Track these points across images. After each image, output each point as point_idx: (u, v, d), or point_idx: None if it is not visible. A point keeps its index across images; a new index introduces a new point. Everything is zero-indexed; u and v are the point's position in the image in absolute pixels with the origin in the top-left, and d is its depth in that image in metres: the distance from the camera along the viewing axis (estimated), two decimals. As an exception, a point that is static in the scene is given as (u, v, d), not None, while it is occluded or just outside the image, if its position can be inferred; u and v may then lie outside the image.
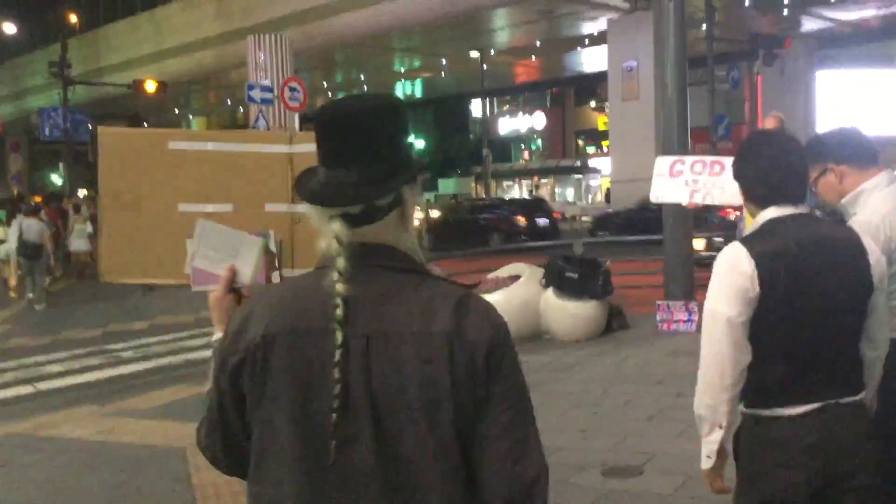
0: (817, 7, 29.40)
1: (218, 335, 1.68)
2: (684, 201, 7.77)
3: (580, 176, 50.59)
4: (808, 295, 2.29)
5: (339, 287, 1.40)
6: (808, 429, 2.27)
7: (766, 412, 2.32)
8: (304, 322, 1.44)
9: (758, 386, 2.33)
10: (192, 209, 2.16)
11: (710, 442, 2.34)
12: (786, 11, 28.03)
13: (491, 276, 9.55)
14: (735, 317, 2.27)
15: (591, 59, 42.31)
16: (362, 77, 44.26)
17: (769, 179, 2.41)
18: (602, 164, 49.83)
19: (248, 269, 1.92)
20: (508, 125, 56.64)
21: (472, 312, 1.44)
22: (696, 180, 7.59)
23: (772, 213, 2.38)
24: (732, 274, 2.30)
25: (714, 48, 25.36)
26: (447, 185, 58.73)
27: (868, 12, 30.50)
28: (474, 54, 35.03)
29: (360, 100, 1.53)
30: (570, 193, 51.18)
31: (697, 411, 2.36)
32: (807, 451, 2.26)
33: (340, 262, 1.41)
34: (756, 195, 2.45)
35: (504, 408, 1.43)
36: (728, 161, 7.47)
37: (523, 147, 58.54)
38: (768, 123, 6.86)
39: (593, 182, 49.39)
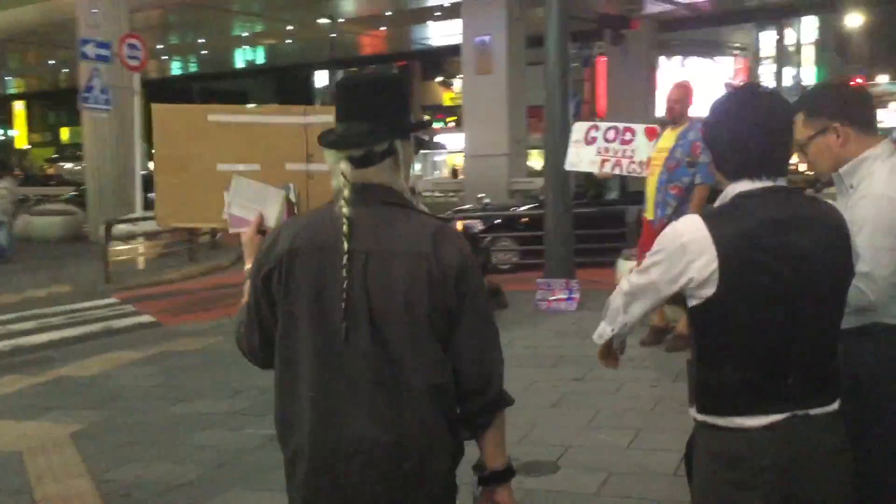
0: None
1: (250, 265, 2.10)
2: (595, 170, 7.52)
3: (426, 151, 50.47)
4: (777, 284, 1.92)
5: (345, 210, 1.83)
6: (770, 444, 1.92)
7: (722, 421, 1.96)
8: (319, 239, 1.88)
9: (714, 388, 1.97)
10: (227, 168, 2.70)
11: (601, 334, 2.21)
12: (631, -8, 28.68)
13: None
14: (662, 286, 2.02)
15: (439, 33, 42.08)
16: (201, 41, 42.04)
17: (747, 147, 2.02)
18: (448, 139, 49.99)
19: (273, 214, 2.43)
20: (354, 97, 55.60)
21: (446, 240, 1.87)
22: (606, 148, 7.32)
23: (744, 185, 2.01)
24: (680, 253, 1.96)
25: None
26: (291, 158, 57.24)
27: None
28: (323, 21, 33.87)
29: (372, 74, 2.23)
30: (415, 168, 51.03)
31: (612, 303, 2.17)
32: (768, 471, 1.92)
33: (346, 192, 1.85)
34: (728, 165, 2.08)
35: (470, 315, 1.86)
36: (639, 128, 7.25)
37: (369, 120, 57.88)
38: (673, 92, 6.59)
39: (438, 158, 49.47)
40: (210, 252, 15.64)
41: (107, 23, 15.90)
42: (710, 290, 1.93)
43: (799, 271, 1.93)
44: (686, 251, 1.95)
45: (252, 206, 2.51)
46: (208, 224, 3.31)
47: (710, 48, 47.72)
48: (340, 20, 34.76)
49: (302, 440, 1.89)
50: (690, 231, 1.96)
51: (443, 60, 50.68)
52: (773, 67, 56.96)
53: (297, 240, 1.90)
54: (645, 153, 6.70)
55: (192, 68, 52.58)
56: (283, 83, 60.47)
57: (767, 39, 56.11)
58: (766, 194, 1.99)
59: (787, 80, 58.96)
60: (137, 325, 9.48)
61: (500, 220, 12.68)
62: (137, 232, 13.84)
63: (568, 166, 7.61)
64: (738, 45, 51.08)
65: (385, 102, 1.93)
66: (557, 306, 8.41)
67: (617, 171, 6.99)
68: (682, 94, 6.47)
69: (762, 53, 55.32)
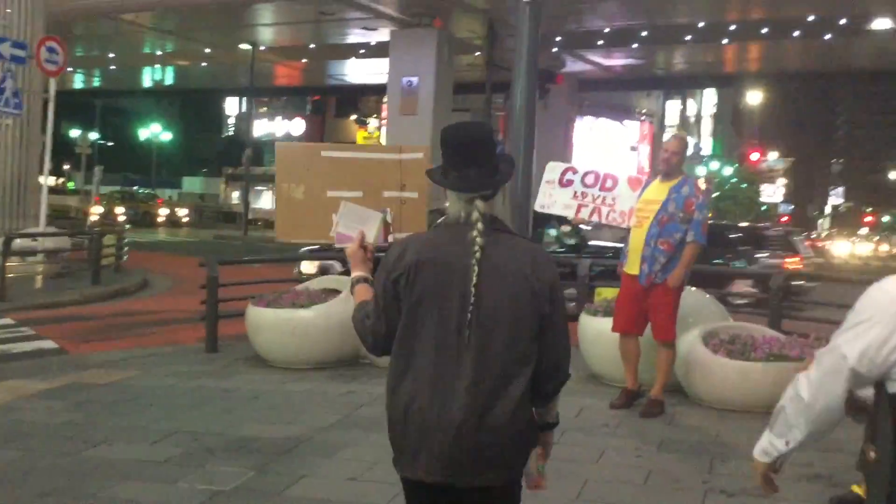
0: (580, 49, 30.83)
1: (356, 273, 2.72)
2: (570, 215, 7.11)
3: (335, 188, 49.68)
4: None
5: (479, 240, 2.36)
6: None
7: None
8: (447, 256, 2.38)
9: None
10: (335, 194, 3.60)
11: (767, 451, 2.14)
12: (555, 49, 29.08)
13: (301, 287, 8.27)
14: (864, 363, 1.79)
15: (356, 71, 41.73)
16: (110, 55, 40.36)
17: None
18: (358, 178, 49.45)
19: (372, 233, 2.95)
20: (265, 128, 54.50)
21: (542, 260, 2.45)
22: (584, 193, 6.93)
23: None
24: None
25: (480, 75, 25.82)
26: (193, 184, 55.42)
27: (627, 60, 32.55)
28: (244, 47, 33.00)
29: (476, 128, 2.53)
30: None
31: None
32: None
33: (480, 225, 2.37)
34: None
35: (558, 319, 2.43)
36: (622, 177, 6.91)
37: (278, 152, 56.77)
38: (671, 144, 6.29)
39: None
40: (114, 275, 14.56)
41: (22, 24, 14.81)
42: None
43: None
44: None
45: (355, 225, 2.96)
46: (318, 240, 3.97)
47: (620, 112, 49.00)
48: (262, 48, 33.95)
49: (412, 412, 2.37)
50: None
51: (358, 98, 50.38)
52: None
53: (422, 254, 2.41)
54: (627, 203, 6.35)
55: (95, 83, 50.47)
56: (189, 106, 58.80)
57: (672, 108, 58.26)
58: None
59: (689, 149, 61.17)
60: (38, 351, 8.53)
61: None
62: (38, 248, 12.71)
63: (538, 207, 7.19)
64: (645, 111, 52.72)
65: (491, 153, 2.47)
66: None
67: (595, 219, 6.61)
68: (680, 147, 6.18)
69: (667, 121, 57.32)
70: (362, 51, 33.53)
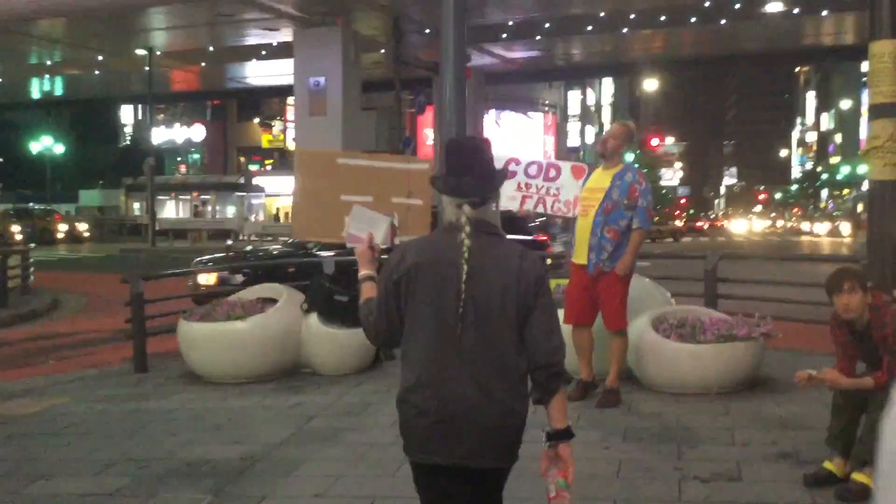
0: (485, 42, 30.94)
1: (363, 271, 2.94)
2: (515, 207, 7.00)
3: (243, 194, 48.62)
4: None
5: (467, 241, 2.57)
6: None
7: None
8: (441, 257, 2.61)
9: None
10: (348, 199, 3.86)
11: None
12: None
13: (233, 298, 7.96)
14: None
15: (258, 73, 40.93)
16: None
17: None
18: (266, 182, 48.47)
19: (380, 235, 3.26)
20: (163, 135, 52.93)
21: (528, 259, 2.64)
22: (528, 184, 6.83)
23: None
24: None
25: (387, 73, 25.68)
26: (91, 198, 53.32)
27: (529, 53, 32.84)
28: (140, 52, 31.89)
29: (468, 141, 2.84)
30: (230, 211, 48.90)
31: None
32: None
33: (467, 228, 2.59)
34: None
35: (542, 310, 2.60)
36: (565, 166, 6.83)
37: (179, 160, 55.04)
38: (613, 128, 6.27)
39: (256, 201, 47.79)
40: (22, 297, 13.83)
41: None
42: None
43: None
44: None
45: (365, 227, 3.25)
46: (330, 239, 4.45)
47: (525, 104, 49.54)
48: (158, 53, 32.88)
49: (421, 399, 2.58)
50: None
51: (261, 101, 49.43)
52: (579, 125, 60.03)
53: (421, 257, 2.65)
54: (572, 192, 6.28)
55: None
56: (81, 117, 56.56)
57: (574, 99, 59.30)
58: None
59: (590, 138, 62.37)
60: (-49, 382, 7.95)
61: (248, 270, 11.03)
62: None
63: None
64: (548, 102, 53.47)
65: (487, 162, 2.73)
66: (453, 358, 7.83)
67: (540, 210, 6.53)
68: (619, 132, 6.14)
69: (569, 112, 58.31)
70: (264, 52, 32.87)
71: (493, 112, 44.58)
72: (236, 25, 29.44)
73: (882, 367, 4.21)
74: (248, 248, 13.12)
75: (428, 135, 33.91)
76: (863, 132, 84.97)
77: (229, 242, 12.72)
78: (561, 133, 52.72)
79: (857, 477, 4.18)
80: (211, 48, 32.96)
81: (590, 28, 29.57)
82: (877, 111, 5.39)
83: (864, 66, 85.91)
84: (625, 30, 30.36)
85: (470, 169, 2.67)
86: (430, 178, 2.92)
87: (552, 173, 6.48)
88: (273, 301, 7.72)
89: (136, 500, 4.61)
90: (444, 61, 8.55)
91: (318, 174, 4.31)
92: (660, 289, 7.26)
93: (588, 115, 62.33)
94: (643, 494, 4.34)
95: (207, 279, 11.35)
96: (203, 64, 37.68)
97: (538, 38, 30.43)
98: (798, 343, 7.39)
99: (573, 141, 58.63)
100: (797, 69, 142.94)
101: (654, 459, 4.87)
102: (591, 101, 65.98)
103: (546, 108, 52.55)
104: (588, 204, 6.09)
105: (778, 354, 6.99)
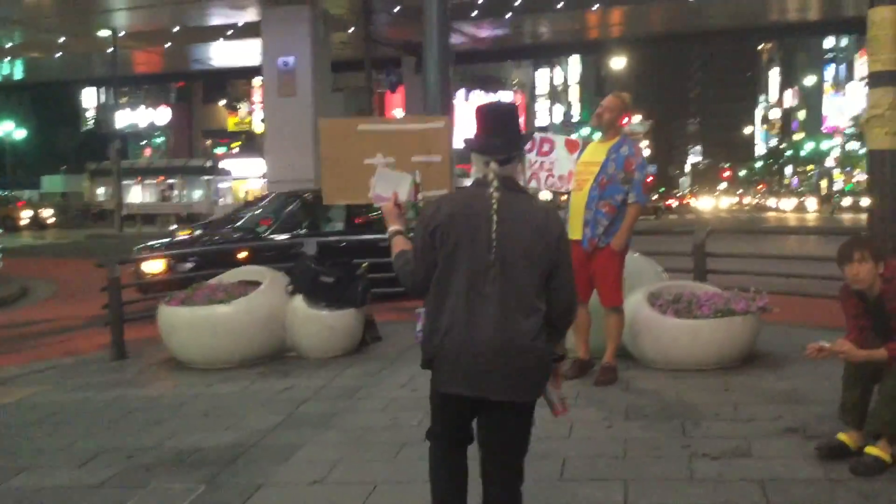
0: (454, 21, 30.62)
1: (392, 227, 3.31)
2: None
3: (210, 177, 47.92)
4: None
5: (496, 195, 2.91)
6: None
7: None
8: (472, 209, 2.94)
9: None
10: (371, 162, 4.41)
11: None
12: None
13: (214, 281, 7.73)
14: None
15: (223, 54, 40.26)
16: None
17: None
18: (232, 165, 47.84)
19: (404, 192, 3.66)
20: (127, 119, 51.97)
21: (552, 217, 3.00)
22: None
23: None
24: None
25: (355, 53, 25.37)
26: (54, 183, 52.23)
27: (497, 31, 32.59)
28: (103, 34, 31.16)
29: (503, 105, 3.11)
30: (197, 195, 48.18)
31: None
32: None
33: (496, 184, 2.93)
34: None
35: (566, 267, 3.00)
36: (559, 140, 6.68)
37: (144, 144, 54.09)
38: (607, 100, 6.10)
39: (223, 184, 47.11)
40: (-12, 284, 13.45)
41: None
42: None
43: None
44: None
45: (390, 187, 3.61)
46: (358, 200, 4.67)
47: (493, 84, 49.30)
48: (121, 34, 32.16)
49: (447, 340, 2.90)
50: None
51: (226, 83, 48.65)
52: (548, 104, 59.92)
53: (454, 209, 2.95)
54: (566, 167, 6.13)
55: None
56: (42, 101, 55.35)
57: (542, 78, 59.16)
58: None
59: (558, 117, 62.36)
60: (-77, 372, 7.65)
61: (194, 258, 10.55)
62: None
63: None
64: (517, 81, 53.30)
65: (514, 125, 3.08)
66: (442, 339, 7.68)
67: (534, 185, 6.39)
68: (614, 104, 5.98)
69: (538, 91, 58.21)
70: (230, 32, 32.28)
71: (462, 92, 44.30)
72: (201, 4, 28.85)
73: (895, 337, 4.13)
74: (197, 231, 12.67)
75: (397, 115, 33.57)
76: (825, 108, 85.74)
77: (174, 227, 12.23)
78: (530, 112, 52.61)
79: (871, 450, 4.10)
80: (175, 28, 32.28)
81: (560, 5, 29.38)
82: (876, 79, 5.29)
83: (828, 42, 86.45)
84: (595, 6, 30.21)
85: (499, 130, 3.03)
86: (464, 138, 3.14)
87: (545, 147, 6.34)
88: (254, 284, 7.52)
89: (125, 491, 4.42)
90: (426, 40, 8.38)
91: (340, 142, 4.63)
92: (653, 264, 7.16)
93: (556, 95, 62.25)
94: (653, 474, 4.23)
95: (153, 267, 10.88)
96: (167, 45, 36.95)
97: (508, 15, 30.16)
98: (790, 317, 7.33)
99: (542, 120, 58.54)
100: (760, 47, 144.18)
101: (660, 438, 4.77)
102: (558, 80, 65.87)
103: (515, 88, 52.38)
104: (583, 178, 5.95)
105: (772, 328, 6.92)
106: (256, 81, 48.66)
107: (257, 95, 49.59)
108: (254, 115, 51.25)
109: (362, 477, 4.44)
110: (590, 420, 5.17)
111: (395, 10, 27.61)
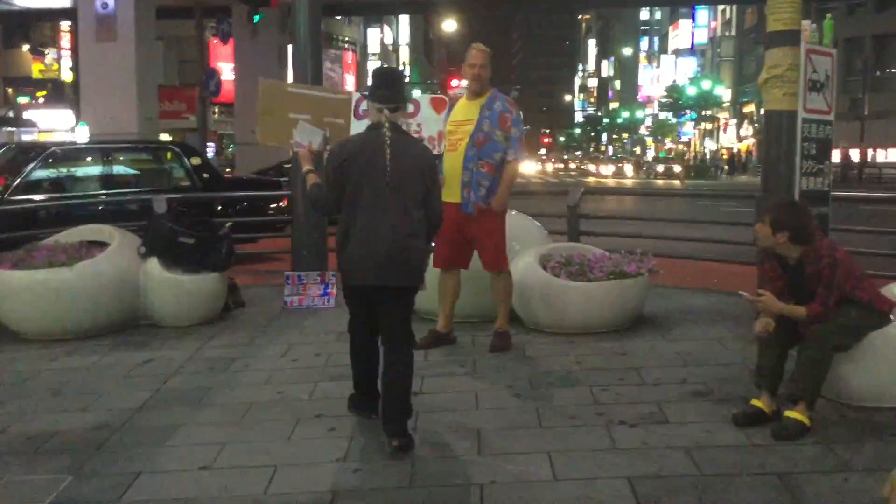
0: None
1: (306, 167, 4.46)
2: None
3: (12, 129, 43.87)
4: None
5: (388, 134, 4.00)
6: None
7: None
8: (370, 146, 4.00)
9: None
10: (295, 116, 5.41)
11: None
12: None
13: (50, 241, 6.84)
14: None
15: (27, -5, 36.81)
16: None
17: None
18: (38, 116, 44.08)
19: (316, 142, 4.84)
20: (-87, 61, 46.58)
21: (426, 152, 4.37)
22: None
23: None
24: None
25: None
26: None
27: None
28: None
29: (390, 69, 6.51)
30: (-1, 148, 44.04)
31: None
32: None
33: (387, 125, 4.02)
34: None
35: (432, 186, 4.13)
36: (424, 99, 6.17)
37: (-66, 90, 48.80)
38: (478, 56, 5.71)
39: (28, 136, 43.27)
40: None
41: None
42: None
43: None
44: None
45: (307, 137, 4.89)
46: (282, 144, 5.67)
47: (325, 41, 47.97)
48: None
49: (355, 243, 4.01)
50: None
51: (31, 26, 44.56)
52: (379, 64, 59.17)
53: (356, 147, 4.08)
54: (434, 127, 5.68)
55: None
56: None
57: (373, 37, 58.22)
58: None
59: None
60: None
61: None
62: None
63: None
64: (348, 39, 52.14)
65: (401, 83, 4.30)
66: (312, 303, 7.18)
67: None
68: (487, 59, 5.61)
69: (370, 49, 57.26)
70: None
71: (290, 48, 42.84)
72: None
73: (817, 300, 4.09)
74: None
75: (223, 69, 31.85)
76: (641, 78, 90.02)
77: None
78: (362, 71, 51.67)
79: (791, 414, 4.07)
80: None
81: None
82: (776, 39, 5.25)
83: (644, 14, 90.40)
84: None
85: (389, 86, 4.18)
86: (350, 106, 5.15)
87: (410, 108, 5.91)
88: (99, 245, 6.71)
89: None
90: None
91: (273, 98, 5.66)
92: (538, 226, 6.96)
93: (387, 55, 61.64)
94: (576, 444, 4.01)
95: None
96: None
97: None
98: (666, 280, 7.37)
99: (372, 80, 57.70)
100: (580, 17, 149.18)
101: (571, 405, 4.56)
102: (388, 40, 65.26)
103: (346, 46, 51.29)
104: (457, 138, 5.58)
105: (651, 290, 6.91)
106: (65, 25, 44.88)
107: (66, 41, 45.79)
108: (62, 61, 47.36)
109: (257, 460, 3.96)
110: (495, 389, 4.90)
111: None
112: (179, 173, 10.45)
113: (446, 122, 5.70)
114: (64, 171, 9.99)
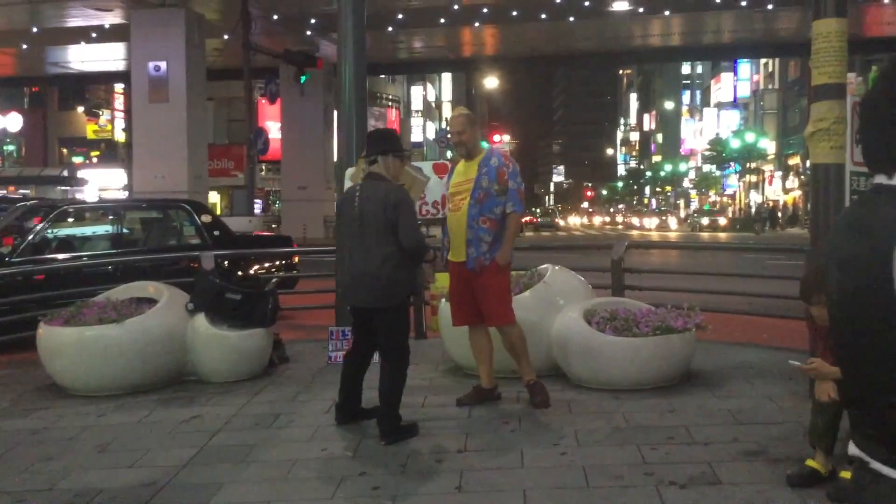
0: (335, 32, 30.03)
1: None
2: None
3: (66, 188, 45.12)
4: None
5: (361, 182, 5.24)
6: None
7: None
8: (350, 194, 5.23)
9: None
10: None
11: None
12: (309, 32, 28.12)
13: (101, 298, 6.96)
14: None
15: (83, 58, 38.14)
16: None
17: None
18: (91, 175, 45.32)
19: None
20: (-25, 124, 48.31)
21: (392, 192, 5.07)
22: None
23: None
24: None
25: (226, 61, 24.43)
26: None
27: (376, 45, 32.17)
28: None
29: (377, 131, 5.74)
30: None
31: None
32: None
33: (362, 174, 5.34)
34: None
35: (403, 220, 4.99)
36: (426, 166, 6.37)
37: (-7, 151, 50.51)
38: (454, 123, 5.83)
39: (80, 195, 44.43)
40: None
41: None
42: None
43: None
44: None
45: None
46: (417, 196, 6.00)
47: (369, 98, 48.83)
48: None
49: (343, 272, 5.46)
50: None
51: (85, 88, 46.10)
52: (422, 121, 60.03)
53: (344, 196, 5.35)
54: (437, 192, 5.87)
55: None
56: None
57: (417, 94, 59.16)
58: None
59: (431, 133, 62.54)
60: None
61: None
62: None
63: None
64: (391, 96, 53.04)
65: (380, 140, 5.37)
66: (355, 359, 7.17)
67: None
68: (463, 124, 5.67)
69: (413, 107, 58.14)
70: (94, 34, 30.48)
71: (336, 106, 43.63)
72: (59, 4, 27.08)
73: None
74: None
75: (270, 127, 32.48)
76: (684, 131, 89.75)
77: None
78: (405, 128, 52.42)
79: (847, 474, 3.93)
80: (34, 29, 30.19)
81: (443, 21, 29.33)
82: (821, 92, 5.21)
83: (685, 69, 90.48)
84: (476, 23, 30.33)
85: (369, 143, 5.33)
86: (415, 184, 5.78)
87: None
88: (148, 301, 6.82)
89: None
90: (342, 49, 7.92)
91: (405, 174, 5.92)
92: (582, 280, 6.91)
93: (430, 111, 62.47)
94: (624, 506, 3.92)
95: None
96: (24, 46, 34.58)
97: (390, 29, 29.86)
98: (715, 335, 7.24)
99: (416, 136, 58.54)
100: (621, 71, 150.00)
101: (619, 464, 4.47)
102: (431, 97, 66.20)
103: (390, 104, 52.11)
104: (459, 198, 5.65)
105: (700, 346, 6.79)
106: (118, 87, 46.32)
107: (119, 102, 47.20)
108: (115, 122, 48.77)
109: (303, 517, 3.93)
110: (541, 445, 4.83)
111: (275, 18, 26.81)
112: (190, 231, 10.59)
113: (448, 185, 5.85)
114: (74, 230, 10.24)
